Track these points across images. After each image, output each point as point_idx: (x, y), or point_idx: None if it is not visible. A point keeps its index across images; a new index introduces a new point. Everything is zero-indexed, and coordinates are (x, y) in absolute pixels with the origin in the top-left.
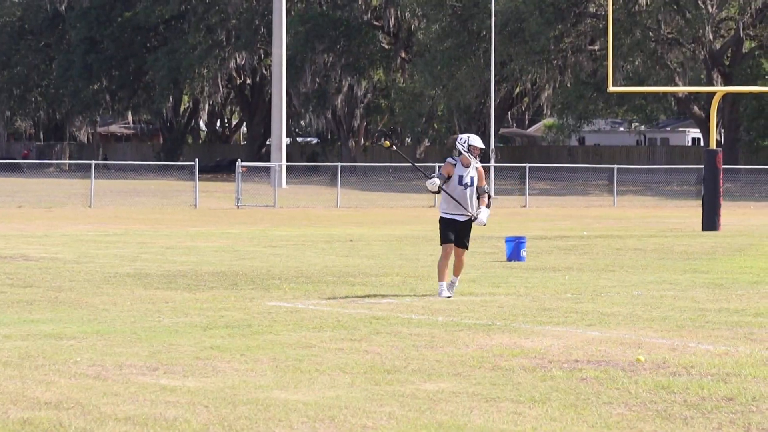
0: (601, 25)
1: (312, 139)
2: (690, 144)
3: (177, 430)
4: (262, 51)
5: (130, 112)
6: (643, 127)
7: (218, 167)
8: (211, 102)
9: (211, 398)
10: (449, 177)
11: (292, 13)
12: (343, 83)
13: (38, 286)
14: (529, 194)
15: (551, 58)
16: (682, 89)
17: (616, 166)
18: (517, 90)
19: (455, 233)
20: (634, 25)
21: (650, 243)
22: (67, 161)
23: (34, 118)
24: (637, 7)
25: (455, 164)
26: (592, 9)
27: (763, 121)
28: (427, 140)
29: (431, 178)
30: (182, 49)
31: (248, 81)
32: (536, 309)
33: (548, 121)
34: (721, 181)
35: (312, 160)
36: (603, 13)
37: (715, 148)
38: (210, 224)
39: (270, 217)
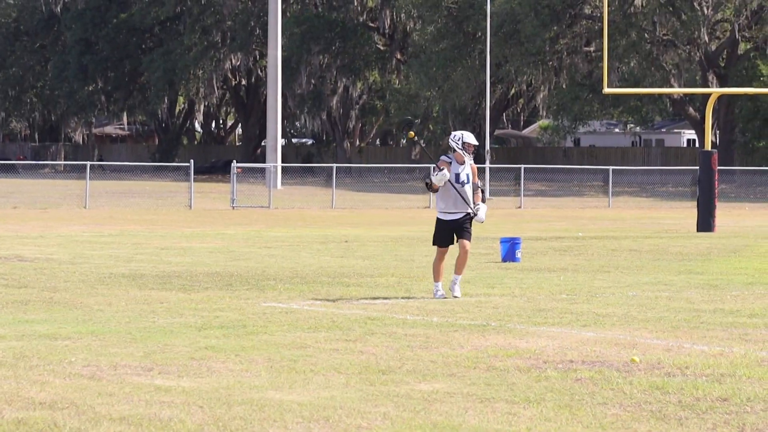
0: (596, 27)
1: (307, 140)
2: (685, 145)
3: (172, 430)
4: (257, 52)
5: (125, 113)
6: (638, 128)
7: (213, 168)
8: (206, 103)
9: (206, 398)
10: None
11: (288, 14)
12: (339, 84)
13: (33, 287)
14: (524, 195)
15: (546, 60)
16: (677, 91)
17: (611, 168)
18: (513, 91)
19: (451, 234)
20: (630, 27)
21: (645, 244)
22: (63, 162)
23: (29, 119)
24: (632, 8)
25: (450, 162)
26: (587, 10)
27: (759, 122)
28: (422, 141)
29: (438, 173)
30: (177, 51)
31: (243, 82)
32: (531, 310)
33: (543, 122)
34: (716, 182)
35: (307, 161)
36: (598, 14)
37: (710, 149)
38: (205, 225)
39: (265, 217)
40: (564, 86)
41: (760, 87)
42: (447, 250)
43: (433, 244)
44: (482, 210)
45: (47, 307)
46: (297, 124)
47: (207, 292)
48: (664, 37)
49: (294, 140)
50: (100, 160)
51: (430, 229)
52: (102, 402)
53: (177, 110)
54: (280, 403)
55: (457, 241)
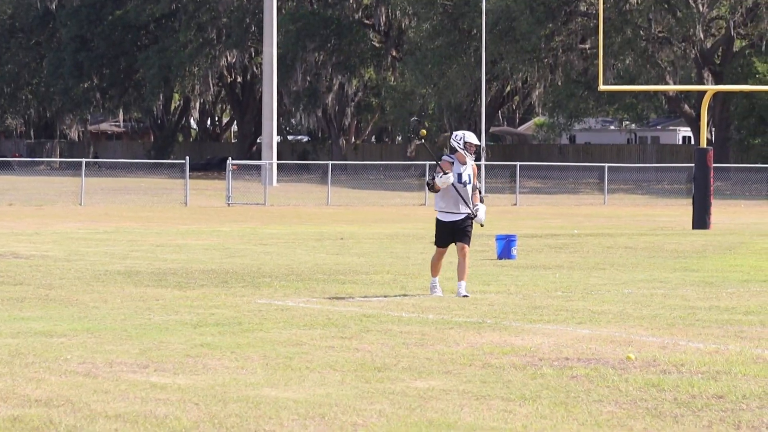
0: (591, 24)
1: (303, 137)
2: (680, 142)
3: (167, 427)
4: (252, 49)
5: (120, 110)
6: (633, 125)
7: (209, 165)
8: (201, 100)
9: (202, 396)
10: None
11: (283, 11)
12: (334, 81)
13: (28, 284)
14: (519, 192)
15: (542, 57)
16: (672, 88)
17: (606, 165)
18: (508, 88)
19: (452, 235)
20: (625, 24)
21: (641, 241)
22: (58, 159)
23: (24, 116)
24: (627, 5)
25: (452, 162)
26: (582, 8)
27: (754, 119)
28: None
29: (443, 176)
30: (173, 48)
31: (239, 79)
32: (527, 307)
33: (539, 119)
34: (711, 179)
35: (303, 158)
36: (594, 11)
37: (705, 146)
38: (200, 222)
39: (260, 215)
40: (559, 83)
41: (756, 84)
42: (446, 249)
43: (435, 244)
44: (482, 210)
45: (43, 304)
46: (292, 121)
47: (202, 289)
48: (660, 35)
49: (289, 137)
50: (95, 157)
51: (426, 227)
52: (97, 399)
53: (172, 107)
54: (276, 401)
55: (455, 244)
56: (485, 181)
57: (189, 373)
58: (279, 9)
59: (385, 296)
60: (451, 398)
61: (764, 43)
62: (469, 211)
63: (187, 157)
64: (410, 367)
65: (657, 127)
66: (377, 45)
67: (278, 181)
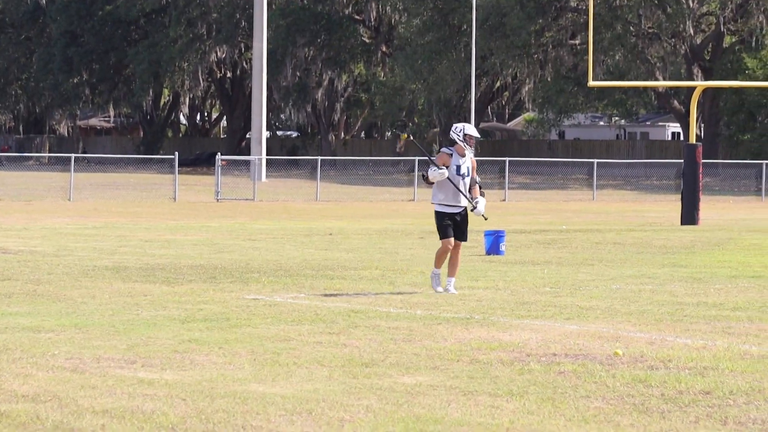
0: (581, 20)
1: (292, 132)
2: (670, 138)
3: (154, 423)
4: (242, 45)
5: (110, 106)
6: (623, 121)
7: (198, 160)
8: (191, 95)
9: (189, 391)
10: (446, 167)
11: (273, 6)
12: (324, 77)
13: (17, 279)
14: (508, 188)
15: (532, 53)
16: (662, 84)
17: (596, 161)
18: (498, 84)
19: (454, 227)
20: (615, 20)
21: (629, 237)
22: (47, 154)
23: (14, 111)
24: (617, 1)
25: (451, 154)
26: (573, 3)
27: (743, 115)
28: (414, 138)
29: (437, 171)
30: (163, 43)
31: (228, 75)
32: (515, 303)
33: (528, 115)
34: (700, 175)
35: (292, 153)
36: (584, 7)
37: (694, 142)
38: (189, 217)
39: (249, 210)
40: (549, 79)
41: (745, 80)
42: (452, 242)
43: (441, 239)
44: (481, 203)
45: (30, 299)
46: (282, 116)
47: (191, 284)
48: (650, 30)
49: (279, 133)
50: (84, 152)
51: (414, 222)
52: (85, 395)
53: (162, 102)
54: (263, 396)
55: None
56: None
57: (176, 369)
58: (269, 4)
59: (373, 292)
60: (439, 394)
61: (754, 39)
62: (467, 205)
63: (177, 153)
64: (398, 362)
65: (646, 122)
66: (367, 40)
67: (267, 176)
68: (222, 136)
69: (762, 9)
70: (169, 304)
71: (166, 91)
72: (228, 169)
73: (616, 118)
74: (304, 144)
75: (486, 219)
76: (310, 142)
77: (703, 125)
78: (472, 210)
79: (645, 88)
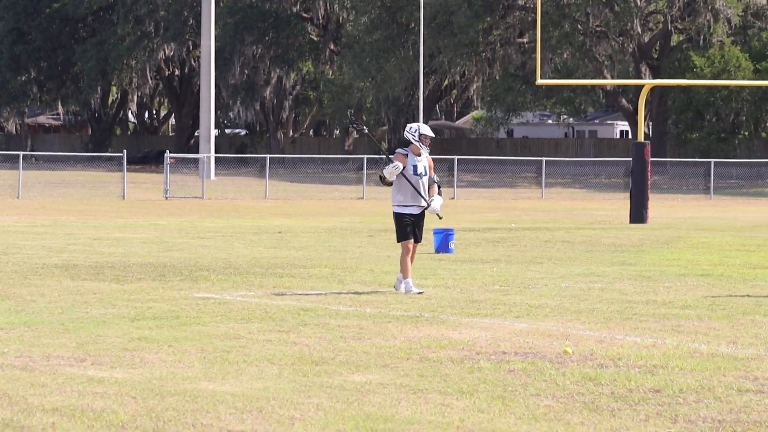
0: (529, 18)
1: (240, 130)
2: (618, 137)
3: (104, 421)
4: (190, 42)
5: (58, 103)
6: (571, 119)
7: (146, 158)
8: (139, 93)
9: (139, 389)
10: (403, 167)
11: (221, 4)
12: (272, 75)
13: None
14: (457, 186)
15: (480, 51)
16: (610, 82)
17: (544, 159)
18: (446, 82)
19: (412, 228)
20: (563, 18)
21: (578, 235)
22: None
23: None
24: (565, 0)
25: (407, 154)
26: (520, 2)
27: (691, 114)
28: (355, 132)
29: (390, 166)
30: (111, 40)
31: (177, 72)
32: (464, 301)
33: (477, 113)
34: (649, 173)
35: (240, 151)
36: (531, 5)
37: (643, 140)
38: (138, 215)
39: (198, 208)
40: (497, 77)
41: (693, 78)
42: (412, 243)
43: (400, 241)
44: (437, 202)
45: None
46: (230, 114)
47: (140, 282)
48: (597, 29)
49: (227, 131)
50: (33, 150)
51: (363, 220)
52: (34, 393)
53: (110, 100)
54: (213, 394)
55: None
56: None
57: (126, 367)
58: (217, 2)
59: (322, 290)
60: (389, 392)
61: (701, 37)
62: (425, 204)
63: (125, 151)
64: (348, 360)
65: (595, 121)
66: (315, 38)
67: (216, 174)
68: (170, 134)
69: (709, 8)
70: (119, 302)
71: (114, 89)
72: (177, 167)
73: (565, 116)
74: (252, 142)
75: (441, 218)
76: (259, 140)
77: (651, 123)
78: (426, 207)
79: (593, 87)
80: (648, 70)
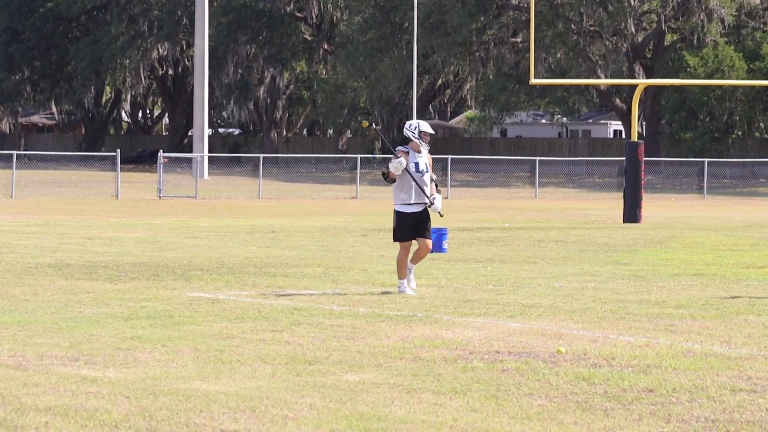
0: (523, 18)
1: (234, 130)
2: (612, 136)
3: (97, 420)
4: (184, 42)
5: (52, 103)
6: (565, 119)
7: (140, 158)
8: (133, 93)
9: (132, 389)
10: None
11: (215, 4)
12: (266, 74)
13: None
14: (451, 186)
15: (473, 50)
16: (604, 82)
17: (538, 158)
18: (440, 82)
19: (413, 228)
20: (557, 18)
21: (572, 235)
22: None
23: None
24: None
25: (407, 152)
26: (514, 1)
27: (685, 113)
28: (349, 132)
29: (395, 161)
30: (104, 40)
31: (170, 72)
32: (457, 300)
33: (470, 113)
34: (642, 173)
35: (234, 151)
36: (525, 5)
37: (636, 140)
38: (131, 215)
39: (192, 208)
40: (491, 77)
41: (687, 78)
42: (410, 244)
43: (395, 240)
44: (438, 200)
45: None
46: (224, 114)
47: (133, 282)
48: (591, 28)
49: (221, 130)
50: (26, 149)
51: (357, 219)
52: (28, 392)
53: (104, 100)
54: (207, 394)
55: (416, 239)
56: None
57: (120, 366)
58: (210, 1)
59: (316, 290)
60: (382, 391)
61: (695, 37)
62: (427, 201)
63: (119, 150)
64: (341, 360)
65: (588, 120)
66: (309, 38)
67: (209, 174)
68: (164, 134)
69: (703, 7)
70: (112, 301)
71: (107, 89)
72: (170, 167)
73: (558, 116)
74: (246, 141)
75: (441, 216)
76: (253, 140)
77: (644, 123)
78: (429, 206)
79: (587, 86)
80: (642, 69)
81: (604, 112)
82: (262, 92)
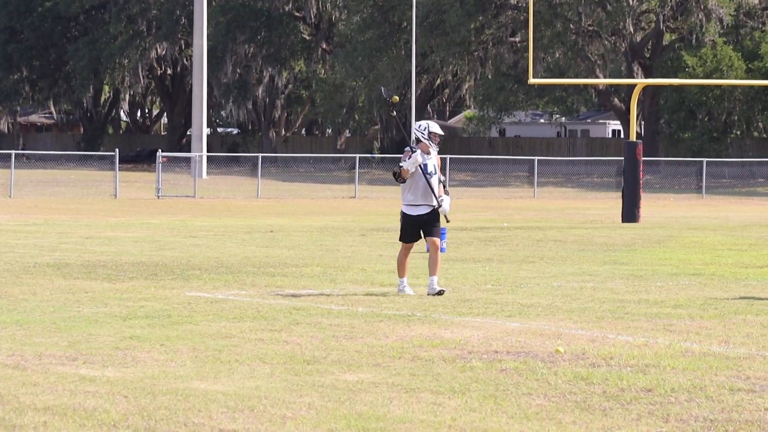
0: (521, 17)
1: (233, 129)
2: (610, 136)
3: (96, 420)
4: (183, 41)
5: (50, 102)
6: (563, 119)
7: (139, 157)
8: (131, 92)
9: (131, 388)
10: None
11: (213, 3)
12: (264, 74)
13: None
14: (449, 185)
15: (472, 50)
16: (602, 81)
17: (536, 158)
18: (438, 81)
19: (418, 230)
20: (555, 17)
21: (570, 234)
22: None
23: None
24: None
25: (417, 152)
26: (512, 1)
27: (683, 113)
28: (347, 131)
29: (410, 158)
30: (103, 39)
31: (169, 71)
32: (456, 300)
33: (469, 112)
34: (641, 173)
35: (232, 150)
36: (524, 5)
37: (635, 140)
38: (130, 214)
39: (190, 207)
40: (489, 76)
41: (685, 78)
42: (413, 245)
43: (400, 240)
44: (446, 202)
45: None
46: (222, 113)
47: (132, 281)
48: (590, 28)
49: (219, 130)
50: (24, 148)
51: (355, 219)
52: (26, 392)
53: (102, 99)
54: (205, 393)
55: (425, 238)
56: None
57: (118, 366)
58: (209, 1)
59: (314, 289)
60: (381, 391)
61: (694, 37)
62: (435, 203)
63: (117, 149)
64: (340, 359)
65: (587, 120)
66: (307, 37)
67: (208, 173)
68: (163, 133)
69: (701, 7)
70: (111, 301)
71: (106, 88)
72: (169, 166)
73: (557, 115)
74: (244, 141)
75: (448, 221)
76: (251, 139)
77: (643, 123)
78: (437, 208)
79: (585, 86)
80: (640, 69)
81: (602, 111)
82: (260, 92)
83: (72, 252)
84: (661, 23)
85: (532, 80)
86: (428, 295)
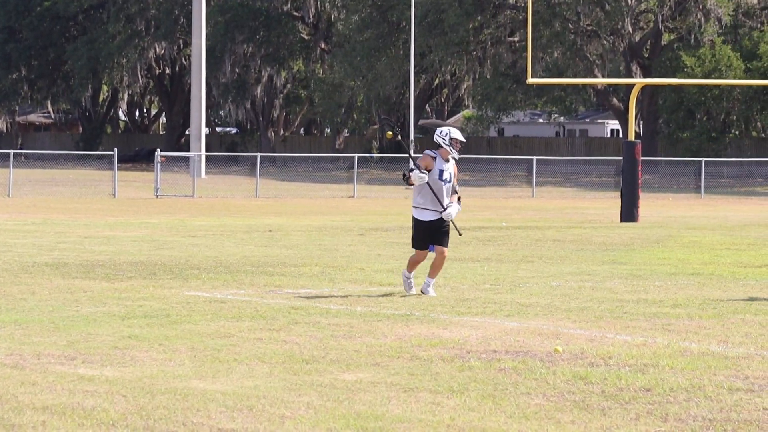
0: (520, 17)
1: (231, 129)
2: (609, 136)
3: (95, 419)
4: (181, 41)
5: (49, 102)
6: (562, 118)
7: (137, 157)
8: (130, 92)
9: (130, 388)
10: (428, 170)
11: (212, 3)
12: (263, 73)
13: None
14: None
15: (471, 50)
16: (601, 81)
17: (535, 158)
18: (437, 81)
19: (431, 237)
20: (554, 17)
21: (569, 234)
22: None
23: None
24: None
25: (435, 157)
26: (511, 0)
27: (682, 113)
28: (346, 131)
29: (418, 172)
30: (101, 39)
31: (168, 71)
32: (455, 299)
33: (467, 112)
34: (639, 172)
35: (231, 150)
36: (522, 4)
37: (633, 139)
38: (129, 214)
39: (189, 207)
40: (488, 76)
41: (684, 78)
42: (426, 254)
43: (412, 246)
44: (453, 208)
45: None
46: (221, 113)
47: (131, 281)
48: (588, 28)
49: (218, 129)
50: (23, 148)
51: (354, 219)
52: (25, 391)
53: (101, 99)
54: (204, 393)
55: (433, 245)
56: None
57: (117, 365)
58: (208, 1)
59: (313, 288)
60: (379, 390)
61: (692, 37)
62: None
63: (116, 149)
64: (338, 359)
65: (585, 120)
66: (306, 37)
67: (207, 173)
68: (161, 133)
69: (700, 7)
70: (109, 300)
71: (105, 87)
72: (167, 166)
73: (555, 115)
74: (243, 141)
75: (461, 234)
76: (249, 139)
77: (642, 122)
78: (441, 212)
79: (584, 86)
80: (639, 69)
81: (601, 111)
82: (259, 91)
83: (70, 251)
84: (660, 23)
85: (530, 80)
86: (420, 291)
